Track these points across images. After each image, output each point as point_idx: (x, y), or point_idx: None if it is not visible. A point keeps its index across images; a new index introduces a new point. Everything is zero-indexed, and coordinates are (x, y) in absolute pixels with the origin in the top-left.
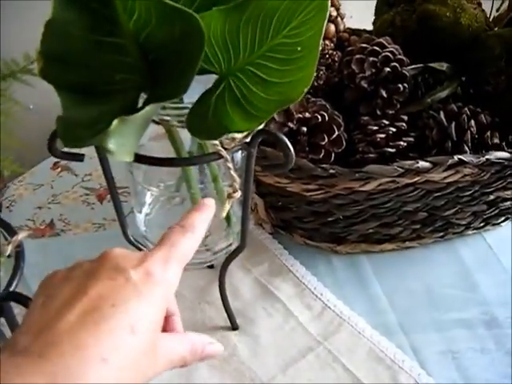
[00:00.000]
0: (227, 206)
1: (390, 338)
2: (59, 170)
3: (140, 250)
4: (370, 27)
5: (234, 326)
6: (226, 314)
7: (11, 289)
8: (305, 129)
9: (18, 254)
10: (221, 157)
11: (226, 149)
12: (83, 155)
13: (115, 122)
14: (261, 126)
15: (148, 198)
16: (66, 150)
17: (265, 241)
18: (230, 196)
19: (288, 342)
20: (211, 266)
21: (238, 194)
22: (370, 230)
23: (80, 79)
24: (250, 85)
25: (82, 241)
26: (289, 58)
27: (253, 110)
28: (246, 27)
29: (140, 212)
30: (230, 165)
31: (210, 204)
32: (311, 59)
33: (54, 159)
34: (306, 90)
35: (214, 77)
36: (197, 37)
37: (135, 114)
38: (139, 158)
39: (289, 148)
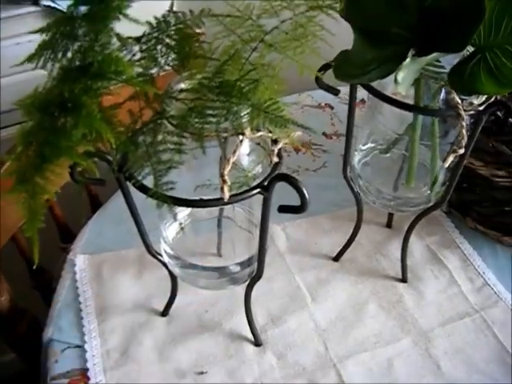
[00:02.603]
0: (450, 159)
1: None
2: None
3: (352, 189)
4: None
5: (404, 279)
6: (397, 268)
7: None
8: (510, 120)
9: None
10: (459, 115)
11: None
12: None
13: (407, 60)
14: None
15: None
16: None
17: (439, 217)
18: (454, 151)
19: (449, 303)
20: (389, 226)
21: (462, 151)
22: None
23: (368, 24)
24: (504, 59)
25: None
26: None
27: (504, 80)
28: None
29: (358, 153)
30: (464, 123)
31: None
32: None
33: None
34: None
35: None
36: (478, 12)
37: (420, 58)
38: (392, 100)
39: None
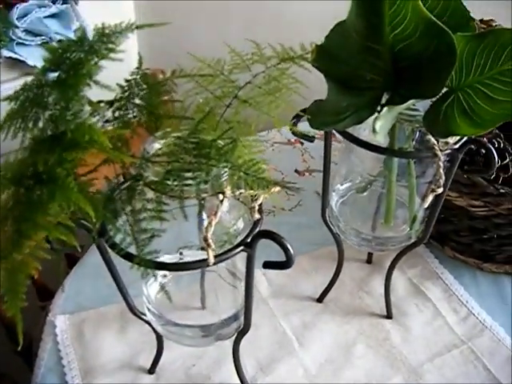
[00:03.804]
0: (430, 199)
1: None
2: None
3: (332, 230)
4: None
5: (389, 315)
6: (381, 304)
7: None
8: (483, 151)
9: None
10: (435, 155)
11: (441, 150)
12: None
13: (385, 109)
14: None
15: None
16: None
17: (419, 248)
18: (433, 190)
19: (435, 336)
20: (369, 262)
21: (440, 190)
22: None
23: (341, 73)
24: (477, 99)
25: None
26: None
27: (478, 120)
28: (482, 52)
29: (336, 193)
30: (441, 163)
31: None
32: None
33: None
34: None
35: None
36: (451, 54)
37: (396, 106)
38: (367, 145)
39: (494, 156)
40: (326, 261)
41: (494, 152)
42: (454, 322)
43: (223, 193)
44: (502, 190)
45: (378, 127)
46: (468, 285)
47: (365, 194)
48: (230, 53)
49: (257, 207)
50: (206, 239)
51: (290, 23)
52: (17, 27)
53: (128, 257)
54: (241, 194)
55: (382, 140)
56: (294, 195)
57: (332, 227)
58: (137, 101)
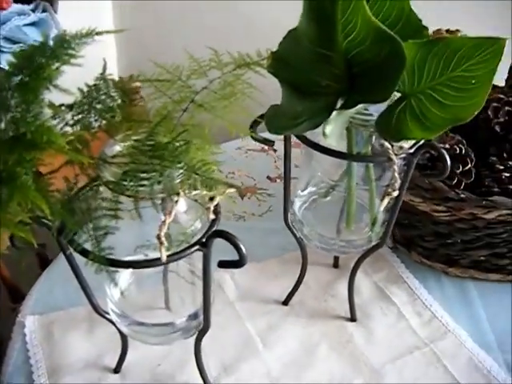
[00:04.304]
0: (386, 202)
1: (487, 353)
2: None
3: (295, 235)
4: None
5: (353, 318)
6: (346, 307)
7: None
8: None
9: None
10: (390, 159)
11: (395, 154)
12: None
13: (334, 113)
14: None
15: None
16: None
17: (385, 253)
18: (388, 194)
19: (398, 338)
20: (336, 266)
21: (396, 193)
22: (482, 258)
23: (295, 79)
24: (428, 104)
25: (225, 227)
26: (464, 87)
27: (429, 124)
28: (432, 59)
29: (299, 199)
30: (396, 167)
31: None
32: (483, 91)
33: None
34: (476, 112)
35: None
36: (399, 60)
37: (346, 111)
38: (324, 149)
39: (446, 160)
40: (293, 265)
41: (447, 156)
42: (418, 324)
43: (178, 194)
44: (462, 195)
45: (328, 131)
46: (433, 289)
47: (328, 198)
48: (189, 59)
49: (212, 208)
50: (159, 237)
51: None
52: None
53: (84, 253)
54: (196, 194)
55: (333, 143)
56: (265, 201)
57: (295, 232)
58: (98, 105)
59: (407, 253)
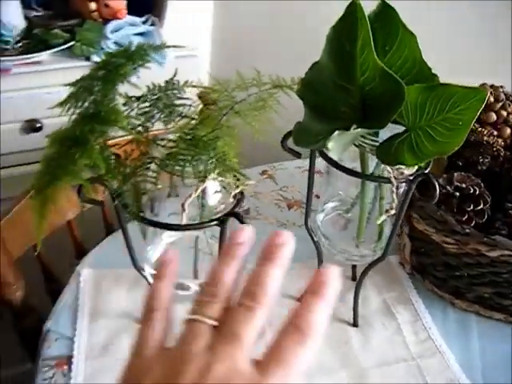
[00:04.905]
0: (383, 217)
1: (469, 379)
2: (265, 176)
3: (313, 238)
4: None
5: (355, 323)
6: (352, 313)
7: None
8: (458, 194)
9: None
10: (390, 182)
11: (395, 178)
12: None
13: (336, 132)
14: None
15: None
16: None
17: (402, 278)
18: (387, 211)
19: (391, 349)
20: (354, 279)
21: (393, 212)
22: (486, 295)
23: (319, 103)
24: (424, 138)
25: (266, 229)
26: (453, 127)
27: (419, 154)
28: (431, 101)
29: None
30: (394, 189)
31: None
32: (464, 131)
33: (263, 167)
34: (456, 148)
35: (400, 128)
36: (400, 98)
37: (348, 131)
38: (337, 165)
39: (435, 188)
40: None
41: (436, 184)
42: (412, 341)
43: (205, 177)
44: (467, 230)
45: (329, 146)
46: (437, 316)
47: (349, 214)
48: (236, 76)
49: (233, 193)
50: (183, 205)
51: None
52: (108, 39)
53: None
54: (222, 181)
55: (335, 157)
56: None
57: (313, 235)
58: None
59: (422, 280)
